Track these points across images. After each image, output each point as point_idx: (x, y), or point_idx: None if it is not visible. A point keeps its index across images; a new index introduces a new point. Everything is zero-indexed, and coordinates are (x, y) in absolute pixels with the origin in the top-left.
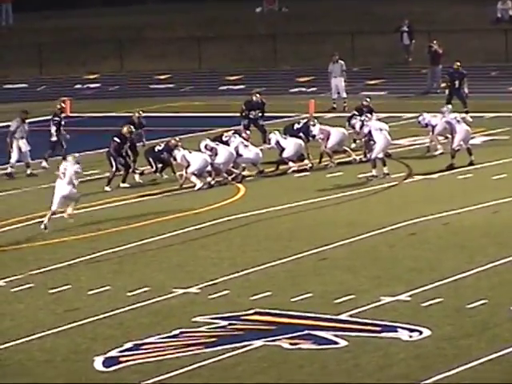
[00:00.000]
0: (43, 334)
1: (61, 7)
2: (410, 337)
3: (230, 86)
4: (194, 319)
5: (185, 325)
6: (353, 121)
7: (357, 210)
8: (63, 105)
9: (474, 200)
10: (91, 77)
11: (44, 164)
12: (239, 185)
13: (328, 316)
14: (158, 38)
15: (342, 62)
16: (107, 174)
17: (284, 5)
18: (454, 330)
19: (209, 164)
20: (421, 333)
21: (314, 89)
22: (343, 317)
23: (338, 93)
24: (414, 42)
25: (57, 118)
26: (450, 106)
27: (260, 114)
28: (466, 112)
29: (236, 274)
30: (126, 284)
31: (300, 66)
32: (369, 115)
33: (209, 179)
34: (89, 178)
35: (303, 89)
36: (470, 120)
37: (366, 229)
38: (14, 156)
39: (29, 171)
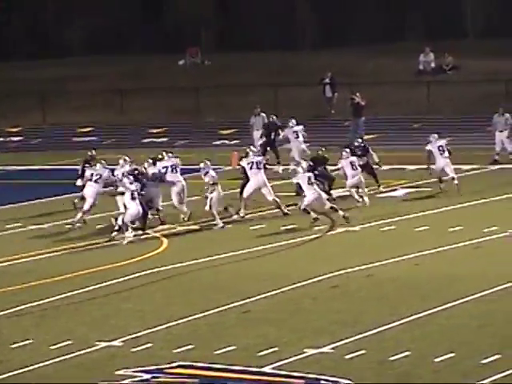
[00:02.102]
0: None
1: None
2: None
3: (153, 139)
4: (116, 372)
5: (108, 378)
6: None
7: (280, 262)
8: (94, 153)
9: (397, 252)
10: (13, 130)
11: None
12: (162, 238)
13: (251, 369)
14: (81, 91)
15: (264, 115)
16: (30, 227)
17: (207, 57)
18: (376, 382)
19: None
20: None
21: (237, 141)
22: (266, 369)
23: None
24: (337, 94)
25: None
26: (436, 135)
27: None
28: (278, 163)
29: (159, 327)
30: (48, 337)
31: (223, 118)
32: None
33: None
34: (12, 231)
35: (226, 141)
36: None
37: (289, 281)
38: None
39: None
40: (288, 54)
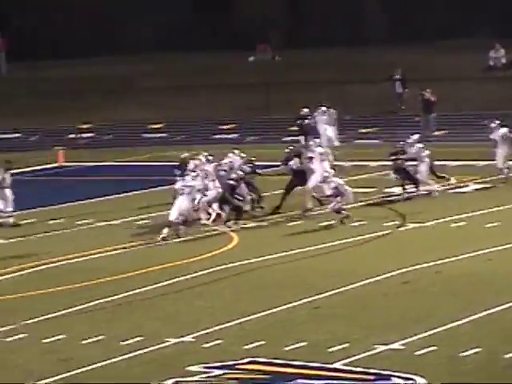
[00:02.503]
0: None
1: (53, 57)
2: None
3: (224, 135)
4: (187, 368)
5: (179, 374)
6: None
7: (350, 258)
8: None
9: (468, 248)
10: (84, 126)
11: None
12: (232, 234)
13: (321, 365)
14: (151, 87)
15: (333, 111)
16: (100, 224)
17: (277, 54)
18: (448, 379)
19: None
20: (415, 381)
21: None
22: (337, 365)
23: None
24: (407, 90)
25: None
26: (497, 121)
27: None
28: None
29: (230, 323)
30: (119, 333)
31: (292, 114)
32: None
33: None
34: (82, 227)
35: (296, 138)
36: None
37: (359, 277)
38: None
39: (11, 220)
40: (358, 51)
